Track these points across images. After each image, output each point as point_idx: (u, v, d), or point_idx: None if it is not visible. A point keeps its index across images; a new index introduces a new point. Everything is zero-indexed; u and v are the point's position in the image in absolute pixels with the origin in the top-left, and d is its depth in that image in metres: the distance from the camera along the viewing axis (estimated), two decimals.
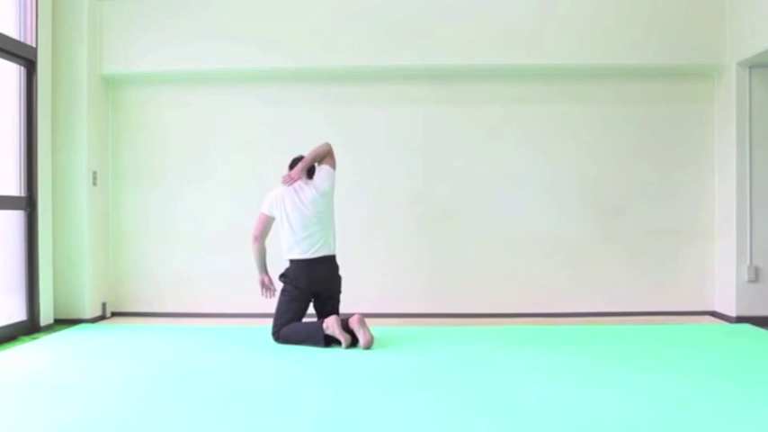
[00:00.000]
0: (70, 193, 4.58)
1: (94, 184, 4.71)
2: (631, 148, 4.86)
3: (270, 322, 3.92)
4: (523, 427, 2.36)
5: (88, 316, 4.60)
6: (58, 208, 4.56)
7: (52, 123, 4.53)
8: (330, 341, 3.71)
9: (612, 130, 4.87)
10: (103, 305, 4.82)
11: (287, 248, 3.88)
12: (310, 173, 3.97)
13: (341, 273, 3.94)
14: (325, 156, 3.99)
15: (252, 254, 3.98)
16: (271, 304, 3.99)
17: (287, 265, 3.91)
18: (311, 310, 3.96)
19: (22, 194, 4.30)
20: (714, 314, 4.80)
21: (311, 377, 3.09)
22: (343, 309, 3.97)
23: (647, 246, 4.85)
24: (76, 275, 4.59)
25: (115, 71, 4.78)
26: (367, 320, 3.82)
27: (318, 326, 3.72)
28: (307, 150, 4.82)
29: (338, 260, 3.95)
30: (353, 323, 3.69)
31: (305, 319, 3.88)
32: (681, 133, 4.85)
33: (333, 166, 3.99)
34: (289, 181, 3.88)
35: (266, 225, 3.96)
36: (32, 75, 4.34)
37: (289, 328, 3.79)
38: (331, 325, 3.67)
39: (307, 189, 3.89)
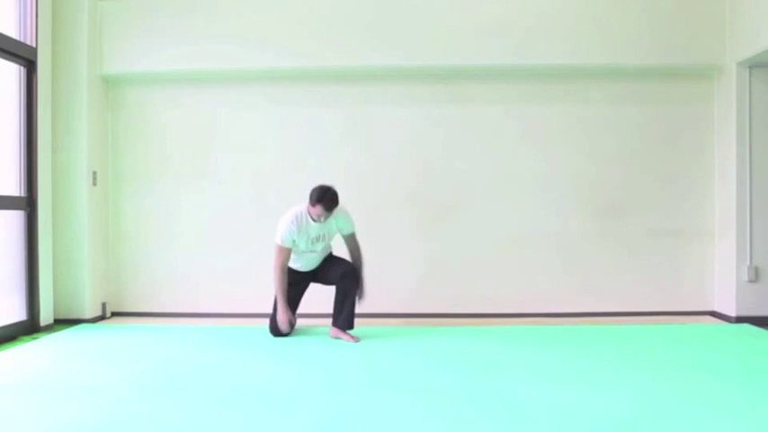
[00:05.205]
0: (70, 193, 4.58)
1: (94, 184, 4.71)
2: (631, 148, 4.86)
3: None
4: (523, 427, 2.36)
5: (88, 316, 4.60)
6: (58, 208, 4.56)
7: (52, 123, 4.53)
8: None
9: (612, 130, 4.86)
10: (103, 305, 4.82)
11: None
12: (337, 199, 3.84)
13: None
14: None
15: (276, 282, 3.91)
16: (269, 305, 4.02)
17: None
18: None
19: (22, 194, 4.30)
20: (714, 314, 4.80)
21: (311, 377, 3.09)
22: None
23: (647, 246, 4.84)
24: (76, 275, 4.59)
25: (115, 71, 4.77)
26: (366, 320, 4.03)
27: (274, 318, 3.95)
28: (307, 150, 4.86)
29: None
30: (334, 334, 3.98)
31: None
32: (681, 133, 4.85)
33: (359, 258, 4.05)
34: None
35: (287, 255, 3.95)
36: (32, 75, 4.34)
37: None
38: (335, 334, 3.93)
39: (321, 227, 3.90)
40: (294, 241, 3.84)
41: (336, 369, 3.22)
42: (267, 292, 4.06)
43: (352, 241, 4.01)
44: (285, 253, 3.86)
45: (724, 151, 4.71)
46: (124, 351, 3.69)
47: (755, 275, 4.55)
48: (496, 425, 2.39)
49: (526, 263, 4.86)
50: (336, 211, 3.83)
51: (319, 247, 3.93)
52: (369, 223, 4.85)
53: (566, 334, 4.12)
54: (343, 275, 3.92)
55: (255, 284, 4.56)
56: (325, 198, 3.72)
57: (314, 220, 3.80)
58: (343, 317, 3.91)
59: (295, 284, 4.03)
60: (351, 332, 3.91)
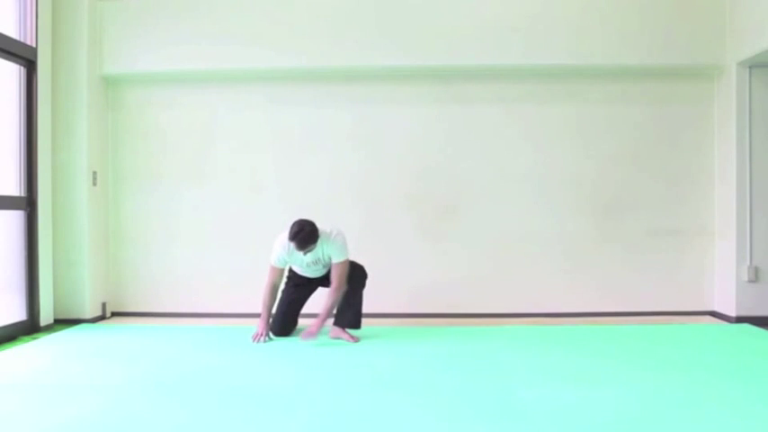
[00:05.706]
0: (70, 193, 4.58)
1: (94, 184, 4.71)
2: (631, 148, 4.86)
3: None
4: (523, 428, 2.36)
5: (88, 316, 4.60)
6: (58, 208, 4.56)
7: (52, 123, 4.53)
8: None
9: (612, 130, 4.86)
10: (103, 305, 4.82)
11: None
12: (313, 239, 3.70)
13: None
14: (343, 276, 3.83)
15: (265, 295, 3.92)
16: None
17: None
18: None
19: (22, 194, 4.30)
20: (714, 314, 4.79)
21: (311, 377, 3.09)
22: None
23: (647, 246, 4.84)
24: (76, 275, 4.59)
25: (115, 71, 4.77)
26: (366, 320, 4.00)
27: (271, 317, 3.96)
28: (307, 150, 4.86)
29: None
30: (334, 334, 3.94)
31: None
32: (681, 133, 4.85)
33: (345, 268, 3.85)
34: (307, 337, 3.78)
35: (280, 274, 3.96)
36: (32, 75, 4.33)
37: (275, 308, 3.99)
38: (335, 334, 3.91)
39: (313, 254, 3.83)
40: (287, 262, 3.89)
41: (336, 369, 3.22)
42: None
43: (338, 267, 3.81)
44: (277, 272, 3.89)
45: (724, 151, 4.71)
46: (124, 351, 3.69)
47: (755, 275, 4.55)
48: (496, 425, 2.39)
49: (526, 263, 4.86)
50: (328, 240, 3.77)
51: (320, 266, 3.93)
52: (369, 223, 4.86)
53: (566, 334, 4.12)
54: (350, 277, 3.91)
55: (255, 284, 4.53)
56: (297, 238, 3.62)
57: None
58: (349, 316, 3.91)
59: (303, 285, 4.05)
60: (351, 332, 3.91)
